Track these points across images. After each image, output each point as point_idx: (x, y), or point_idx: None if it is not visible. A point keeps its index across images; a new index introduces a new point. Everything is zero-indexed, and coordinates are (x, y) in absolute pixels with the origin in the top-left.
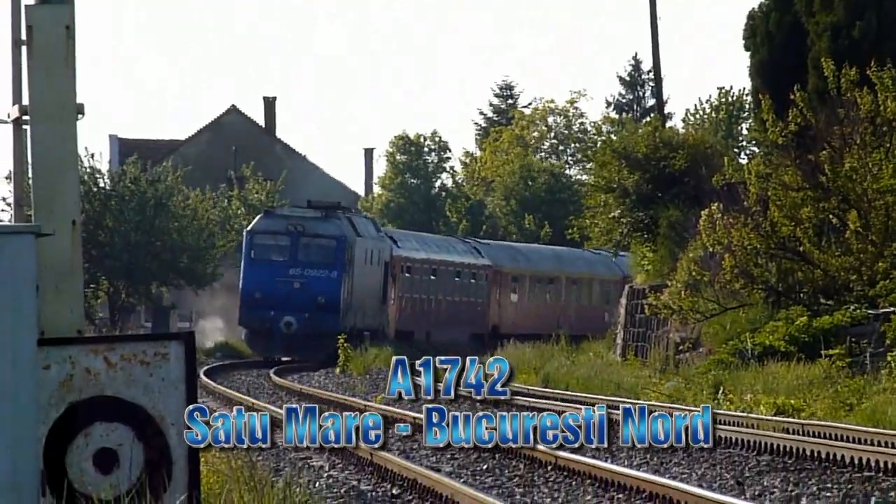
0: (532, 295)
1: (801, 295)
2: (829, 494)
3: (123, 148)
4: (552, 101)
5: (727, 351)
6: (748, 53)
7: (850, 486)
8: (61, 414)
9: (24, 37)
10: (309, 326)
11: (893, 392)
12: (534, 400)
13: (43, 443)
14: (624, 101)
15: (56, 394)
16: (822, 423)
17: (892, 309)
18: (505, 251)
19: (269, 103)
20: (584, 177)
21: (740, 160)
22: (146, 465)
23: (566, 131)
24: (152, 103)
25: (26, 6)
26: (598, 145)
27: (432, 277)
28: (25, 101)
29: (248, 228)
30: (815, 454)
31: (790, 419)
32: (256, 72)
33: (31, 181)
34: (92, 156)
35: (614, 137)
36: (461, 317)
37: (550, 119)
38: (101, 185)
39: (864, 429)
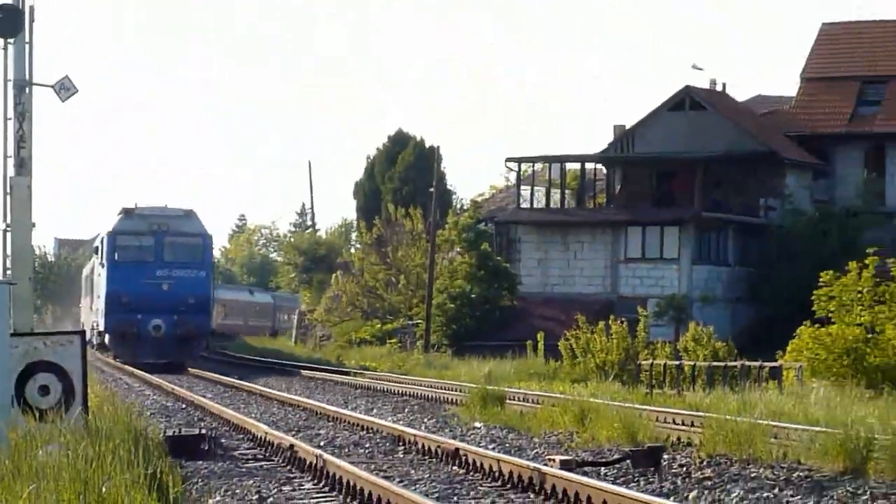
0: None
1: (378, 314)
2: (398, 414)
3: None
4: None
5: (345, 340)
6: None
7: (400, 402)
8: (23, 368)
9: None
10: (178, 328)
11: (418, 361)
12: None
13: (14, 381)
14: None
15: (20, 359)
16: (386, 374)
17: (418, 321)
18: None
19: None
20: None
21: (352, 251)
22: (62, 392)
23: None
24: None
25: None
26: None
27: None
28: None
29: (110, 230)
30: (388, 390)
31: (374, 373)
32: None
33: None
34: None
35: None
36: None
37: None
38: None
39: (407, 377)
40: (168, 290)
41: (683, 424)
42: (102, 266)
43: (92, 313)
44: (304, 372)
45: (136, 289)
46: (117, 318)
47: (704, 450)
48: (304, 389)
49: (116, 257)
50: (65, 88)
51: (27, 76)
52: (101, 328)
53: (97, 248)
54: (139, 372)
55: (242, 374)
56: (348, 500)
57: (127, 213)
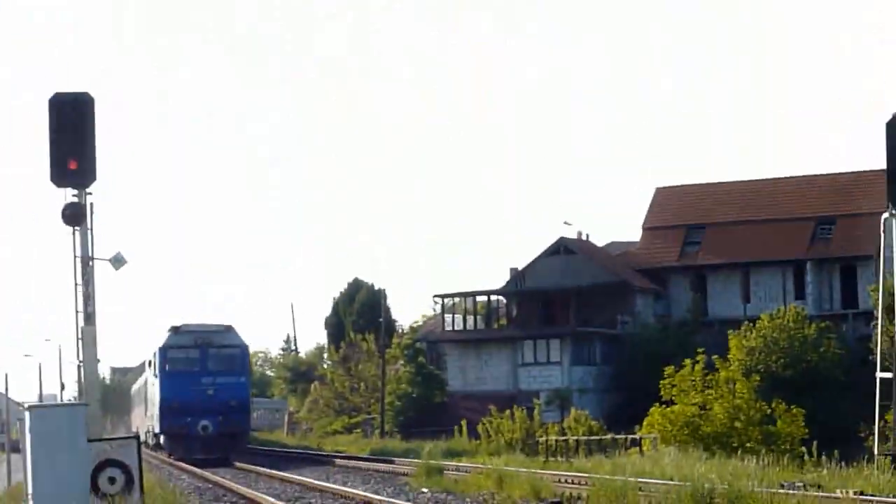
0: None
1: (346, 411)
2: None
3: None
4: None
5: (322, 431)
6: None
7: (367, 476)
8: (95, 465)
9: None
10: (223, 427)
11: (377, 444)
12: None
13: (90, 474)
14: None
15: (94, 458)
16: (354, 454)
17: (374, 416)
18: None
19: None
20: None
21: (325, 367)
22: (125, 482)
23: None
24: None
25: None
26: None
27: None
28: None
29: (161, 345)
30: (356, 467)
31: (345, 455)
32: None
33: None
34: None
35: None
36: None
37: None
38: None
39: (371, 457)
40: (213, 395)
41: (573, 483)
42: (156, 377)
43: (147, 418)
44: (294, 456)
45: (185, 395)
46: (170, 420)
47: (591, 501)
48: (295, 469)
49: (167, 368)
50: (117, 261)
51: (90, 253)
52: (157, 430)
53: (150, 361)
54: (172, 460)
55: (256, 461)
56: None
57: (175, 329)
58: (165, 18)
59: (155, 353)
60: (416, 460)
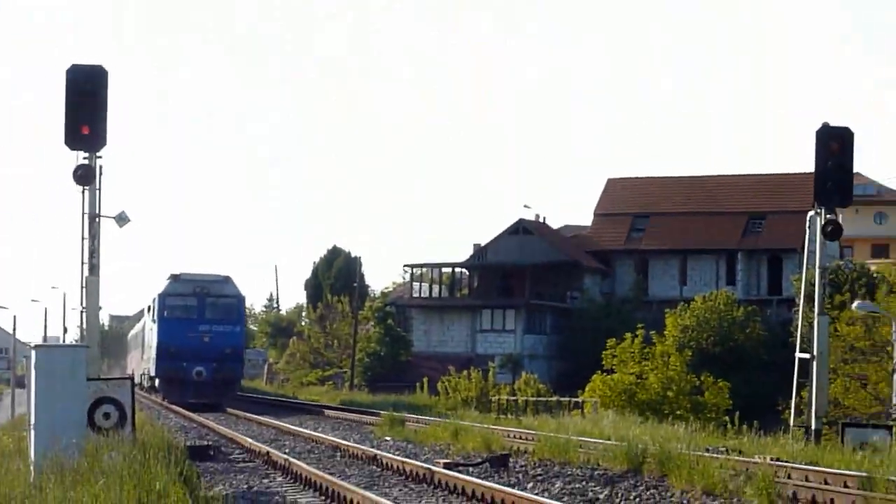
0: None
1: (320, 365)
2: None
3: None
4: None
5: (298, 382)
6: (306, 292)
7: (336, 423)
8: (92, 401)
9: None
10: (217, 374)
11: (346, 396)
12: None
13: (87, 409)
14: None
15: (91, 395)
16: (325, 404)
17: (346, 370)
18: None
19: None
20: None
21: (303, 324)
22: (119, 417)
23: None
24: None
25: None
26: None
27: None
28: None
29: (160, 292)
30: (327, 415)
31: (317, 404)
32: None
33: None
34: None
35: None
36: None
37: None
38: None
39: (340, 406)
40: (208, 342)
41: (521, 438)
42: (154, 322)
43: (143, 362)
44: (271, 402)
45: (182, 340)
46: (166, 364)
47: (536, 456)
48: (273, 414)
49: (166, 314)
50: (121, 219)
51: (97, 210)
52: (153, 374)
53: (149, 307)
54: (166, 402)
55: (247, 409)
56: (306, 489)
57: (174, 277)
58: (165, 18)
59: (154, 300)
60: (379, 410)
